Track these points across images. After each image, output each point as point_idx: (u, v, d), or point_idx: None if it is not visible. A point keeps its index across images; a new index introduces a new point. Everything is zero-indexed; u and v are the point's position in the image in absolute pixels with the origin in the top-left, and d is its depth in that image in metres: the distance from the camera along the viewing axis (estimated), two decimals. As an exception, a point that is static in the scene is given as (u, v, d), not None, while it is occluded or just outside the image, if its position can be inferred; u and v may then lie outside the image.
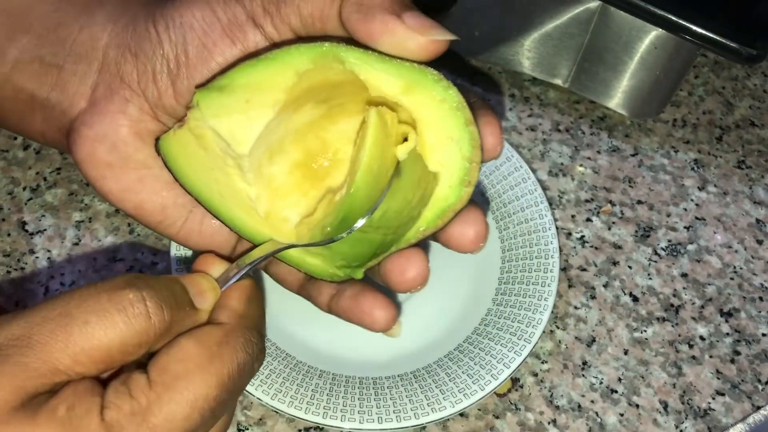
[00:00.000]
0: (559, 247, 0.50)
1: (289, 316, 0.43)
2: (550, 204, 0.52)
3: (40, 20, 0.32)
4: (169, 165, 0.31)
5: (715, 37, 0.44)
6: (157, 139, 0.31)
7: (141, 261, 0.47)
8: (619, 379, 0.45)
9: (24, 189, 0.49)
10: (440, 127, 0.29)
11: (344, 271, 0.32)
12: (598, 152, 0.55)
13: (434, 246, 0.47)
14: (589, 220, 0.51)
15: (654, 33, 0.49)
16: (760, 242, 0.51)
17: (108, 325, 0.25)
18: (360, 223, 0.30)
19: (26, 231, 0.48)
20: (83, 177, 0.32)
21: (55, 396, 0.24)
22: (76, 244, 0.47)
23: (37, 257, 0.46)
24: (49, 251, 0.47)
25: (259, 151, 0.32)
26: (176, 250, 0.43)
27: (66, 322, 0.24)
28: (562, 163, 0.54)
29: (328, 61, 0.29)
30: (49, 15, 0.32)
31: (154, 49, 0.31)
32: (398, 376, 0.41)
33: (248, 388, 0.39)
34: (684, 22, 0.44)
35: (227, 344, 0.27)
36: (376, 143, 0.29)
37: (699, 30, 0.44)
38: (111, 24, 0.32)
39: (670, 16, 0.45)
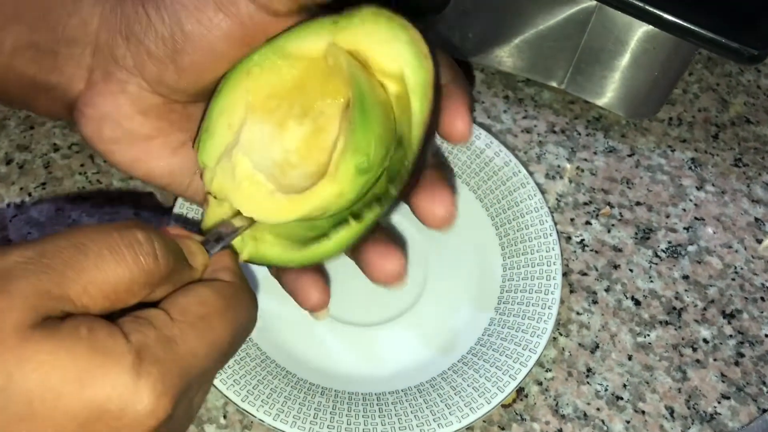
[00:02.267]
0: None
1: (289, 332, 0.42)
2: (548, 208, 0.51)
3: (29, 9, 0.33)
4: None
5: (715, 37, 0.43)
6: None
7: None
8: (624, 386, 0.44)
9: (8, 205, 0.48)
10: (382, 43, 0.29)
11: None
12: (595, 153, 0.54)
13: (433, 257, 0.46)
14: (588, 223, 0.51)
15: (651, 32, 0.48)
16: (759, 241, 0.51)
17: (119, 260, 0.25)
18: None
19: (12, 249, 0.46)
20: (92, 150, 0.34)
21: (71, 319, 0.24)
22: (65, 261, 0.46)
23: (24, 276, 0.45)
24: (36, 270, 0.45)
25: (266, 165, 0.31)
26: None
27: (80, 251, 0.24)
28: (558, 165, 0.53)
29: (269, 60, 0.30)
30: (37, 3, 0.33)
31: (145, 31, 0.31)
32: (402, 391, 0.41)
33: (250, 408, 0.38)
34: (683, 22, 0.44)
35: (239, 298, 0.28)
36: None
37: (698, 30, 0.43)
38: (99, 7, 0.32)
39: (668, 16, 0.44)
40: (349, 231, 0.30)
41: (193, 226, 0.44)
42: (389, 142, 0.29)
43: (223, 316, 0.26)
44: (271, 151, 0.31)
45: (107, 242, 0.25)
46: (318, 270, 0.33)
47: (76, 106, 0.33)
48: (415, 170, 0.29)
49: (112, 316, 0.25)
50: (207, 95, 0.32)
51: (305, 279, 0.33)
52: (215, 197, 0.32)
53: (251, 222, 0.31)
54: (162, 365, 0.24)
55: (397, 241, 0.31)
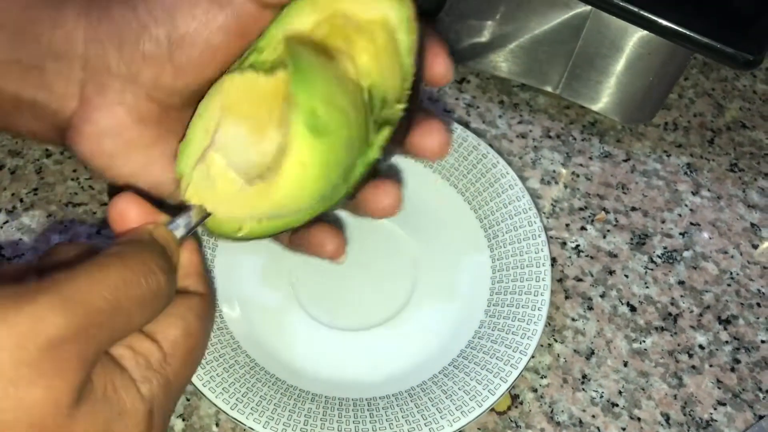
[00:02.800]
0: (554, 258, 0.49)
1: (278, 339, 0.42)
2: (543, 213, 0.51)
3: (12, 19, 0.32)
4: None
5: (710, 42, 0.43)
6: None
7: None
8: (620, 392, 0.44)
9: (0, 211, 0.48)
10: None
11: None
12: (590, 158, 0.54)
13: (422, 260, 0.46)
14: (583, 228, 0.50)
15: (646, 38, 0.48)
16: (755, 247, 0.51)
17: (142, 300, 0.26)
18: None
19: (3, 256, 0.46)
20: (89, 168, 0.34)
21: (95, 378, 0.25)
22: (56, 267, 0.45)
23: (14, 282, 0.45)
24: (27, 276, 0.45)
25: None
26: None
27: (114, 310, 0.25)
28: (554, 171, 0.53)
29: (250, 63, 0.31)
30: (20, 13, 0.32)
31: (138, 35, 0.30)
32: (393, 395, 0.40)
33: (239, 416, 0.37)
34: (678, 27, 0.44)
35: (210, 315, 0.30)
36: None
37: (693, 35, 0.43)
38: (83, 18, 0.31)
39: (663, 22, 0.44)
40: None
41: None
42: (349, 109, 0.29)
43: (203, 339, 0.29)
44: (249, 153, 0.31)
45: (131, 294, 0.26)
46: (323, 221, 0.34)
47: (71, 124, 0.32)
48: (413, 96, 0.30)
49: None
50: (201, 95, 0.32)
51: (315, 232, 0.34)
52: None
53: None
54: (164, 409, 0.27)
55: (391, 177, 0.33)
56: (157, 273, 0.26)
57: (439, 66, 0.32)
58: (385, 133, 0.30)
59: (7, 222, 0.47)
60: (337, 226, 0.35)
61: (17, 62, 0.32)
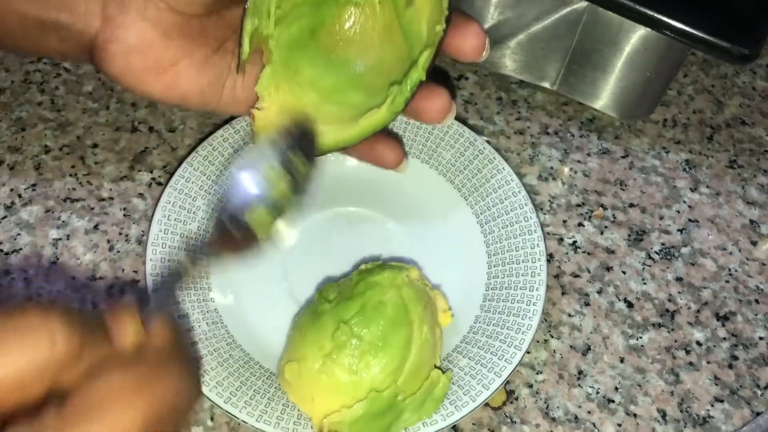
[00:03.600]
0: (551, 254, 0.48)
1: (272, 334, 0.42)
2: (541, 209, 0.50)
3: None
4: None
5: (706, 36, 0.43)
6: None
7: (121, 278, 0.45)
8: (616, 388, 0.44)
9: (-2, 206, 0.48)
10: None
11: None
12: (588, 155, 0.54)
13: (420, 253, 0.46)
14: (581, 224, 0.50)
15: (643, 33, 0.48)
16: (754, 243, 0.51)
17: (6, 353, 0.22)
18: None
19: (1, 251, 0.46)
20: (120, 87, 0.35)
21: None
22: (54, 263, 0.46)
23: (12, 278, 0.45)
24: (25, 271, 0.45)
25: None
26: (151, 270, 0.41)
27: None
28: (551, 167, 0.53)
29: None
30: None
31: None
32: (389, 391, 0.40)
33: (232, 410, 0.37)
34: (674, 22, 0.43)
35: (156, 379, 0.24)
36: None
37: (689, 30, 0.43)
38: None
39: (659, 16, 0.44)
40: (401, 94, 0.34)
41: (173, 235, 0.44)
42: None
43: (127, 402, 0.23)
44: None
45: None
46: (385, 132, 0.36)
47: (96, 45, 0.33)
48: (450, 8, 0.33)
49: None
50: (219, 3, 0.33)
51: (377, 145, 0.36)
52: (258, 108, 0.35)
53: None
54: None
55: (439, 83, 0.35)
56: (38, 330, 0.22)
57: (473, 40, 0.33)
58: (427, 53, 0.33)
59: (5, 217, 0.47)
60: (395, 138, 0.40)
61: None
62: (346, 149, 0.36)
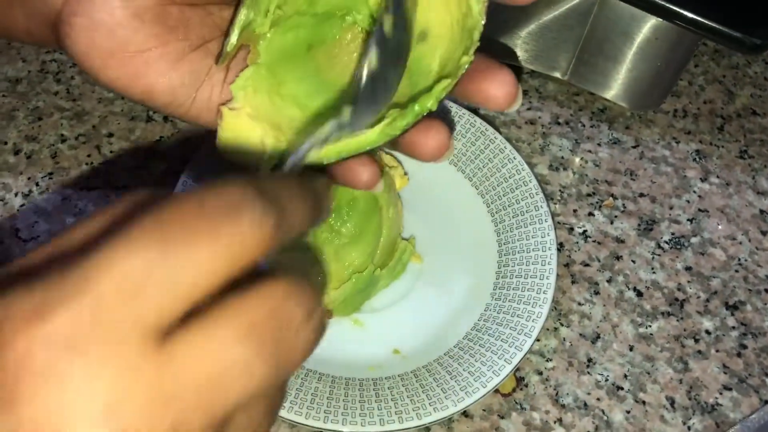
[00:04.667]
0: (562, 243, 0.49)
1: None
2: (551, 199, 0.51)
3: None
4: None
5: (717, 26, 0.43)
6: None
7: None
8: (625, 376, 0.44)
9: (16, 195, 0.49)
10: None
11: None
12: (599, 145, 0.54)
13: (431, 243, 0.46)
14: (591, 214, 0.51)
15: (654, 23, 0.48)
16: (764, 233, 0.51)
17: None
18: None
19: (19, 238, 0.47)
20: (83, 70, 0.31)
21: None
22: (70, 249, 0.46)
23: (30, 264, 0.46)
24: (42, 257, 0.46)
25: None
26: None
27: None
28: (562, 157, 0.53)
29: None
30: None
31: None
32: (399, 376, 0.41)
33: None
34: (685, 12, 0.43)
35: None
36: None
37: (700, 19, 0.43)
38: None
39: (670, 6, 0.44)
40: (397, 119, 0.29)
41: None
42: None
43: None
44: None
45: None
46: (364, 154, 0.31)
47: (60, 18, 0.29)
48: (480, 43, 0.29)
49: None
50: None
51: (350, 164, 0.30)
52: (230, 108, 0.31)
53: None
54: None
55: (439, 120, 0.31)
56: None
57: (501, 90, 0.29)
58: (446, 84, 0.29)
59: (23, 205, 0.48)
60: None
61: None
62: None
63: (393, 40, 0.27)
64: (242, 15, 0.30)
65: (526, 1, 0.30)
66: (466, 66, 0.28)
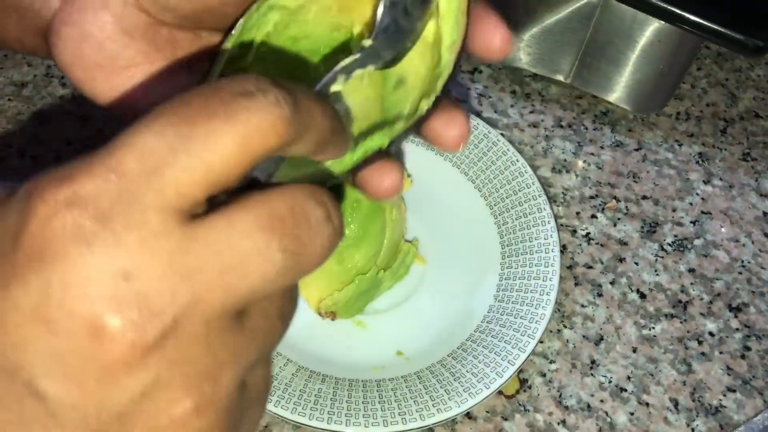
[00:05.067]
0: (565, 245, 0.49)
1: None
2: (554, 201, 0.51)
3: None
4: None
5: (719, 29, 0.43)
6: None
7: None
8: (629, 378, 0.44)
9: (21, 197, 0.49)
10: None
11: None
12: (602, 148, 0.54)
13: (434, 245, 0.47)
14: (594, 216, 0.51)
15: (656, 26, 0.48)
16: (767, 235, 0.51)
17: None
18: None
19: (24, 239, 0.47)
20: (70, 81, 0.31)
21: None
22: (75, 251, 0.47)
23: (35, 266, 0.46)
24: (47, 259, 0.46)
25: None
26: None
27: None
28: (565, 160, 0.53)
29: None
30: None
31: None
32: (402, 377, 0.41)
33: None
34: (687, 14, 0.44)
35: None
36: None
37: (703, 22, 0.43)
38: None
39: (673, 9, 0.44)
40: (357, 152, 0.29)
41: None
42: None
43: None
44: None
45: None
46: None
47: (51, 28, 0.30)
48: (444, 93, 0.28)
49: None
50: (196, 20, 0.29)
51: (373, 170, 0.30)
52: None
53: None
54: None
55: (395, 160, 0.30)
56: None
57: (495, 37, 0.28)
58: (401, 125, 0.29)
59: (28, 207, 0.48)
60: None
61: None
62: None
63: None
64: (228, 44, 0.29)
65: (500, 57, 0.29)
66: (423, 112, 0.28)
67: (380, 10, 0.27)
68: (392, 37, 0.28)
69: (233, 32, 0.29)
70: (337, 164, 0.29)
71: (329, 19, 0.30)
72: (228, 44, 0.29)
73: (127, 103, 0.31)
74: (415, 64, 0.30)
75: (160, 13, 0.29)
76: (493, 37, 0.29)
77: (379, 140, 0.30)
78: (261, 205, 0.21)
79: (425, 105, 0.28)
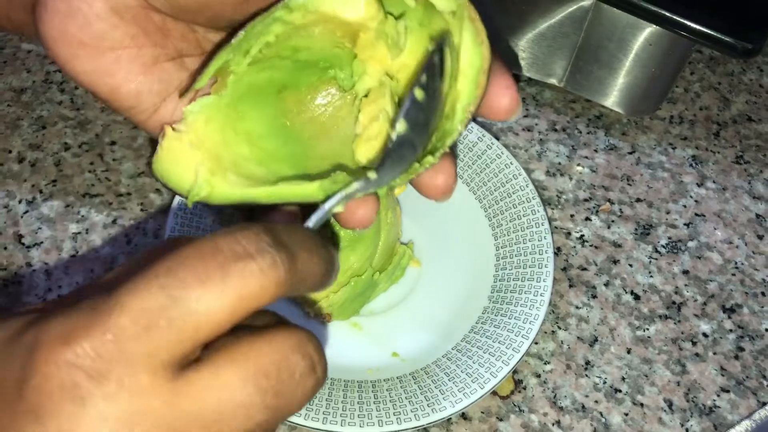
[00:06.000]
0: (559, 247, 0.49)
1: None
2: (549, 204, 0.51)
3: None
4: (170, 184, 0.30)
5: (709, 32, 0.43)
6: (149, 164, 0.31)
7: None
8: (623, 379, 0.44)
9: (20, 202, 0.49)
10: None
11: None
12: (596, 151, 0.55)
13: (429, 247, 0.47)
14: (588, 219, 0.51)
15: (648, 30, 0.48)
16: (760, 237, 0.51)
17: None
18: (408, 102, 0.27)
19: (22, 244, 0.47)
20: (52, 58, 0.30)
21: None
22: (74, 256, 0.47)
23: (33, 270, 0.46)
24: (46, 264, 0.47)
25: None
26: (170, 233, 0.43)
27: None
28: (559, 163, 0.54)
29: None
30: None
31: None
32: (397, 378, 0.41)
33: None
34: (678, 18, 0.44)
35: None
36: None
37: (693, 25, 0.44)
38: None
39: (663, 12, 0.44)
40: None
41: (197, 222, 0.45)
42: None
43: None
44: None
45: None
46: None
47: (38, 1, 0.29)
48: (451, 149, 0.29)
49: None
50: (189, 14, 0.29)
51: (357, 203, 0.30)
52: (173, 129, 0.30)
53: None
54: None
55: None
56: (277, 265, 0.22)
57: (505, 98, 0.29)
58: (401, 179, 0.29)
59: (27, 212, 0.49)
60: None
61: None
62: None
63: (423, 110, 0.28)
64: (221, 57, 0.29)
65: (506, 118, 0.30)
66: (428, 165, 0.29)
67: (392, 144, 0.28)
68: (395, 169, 0.28)
69: (233, 41, 0.29)
70: (329, 187, 0.29)
71: (332, 38, 0.30)
72: (225, 49, 0.29)
73: (111, 87, 0.30)
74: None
75: None
76: (502, 98, 0.29)
77: (377, 187, 0.29)
78: (248, 357, 0.22)
79: (430, 161, 0.29)
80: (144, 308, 0.21)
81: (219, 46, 0.30)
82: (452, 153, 0.30)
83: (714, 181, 0.54)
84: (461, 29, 0.28)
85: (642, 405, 0.44)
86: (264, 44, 0.30)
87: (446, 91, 0.28)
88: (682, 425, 0.43)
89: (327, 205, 0.28)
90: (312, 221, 0.27)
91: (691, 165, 0.54)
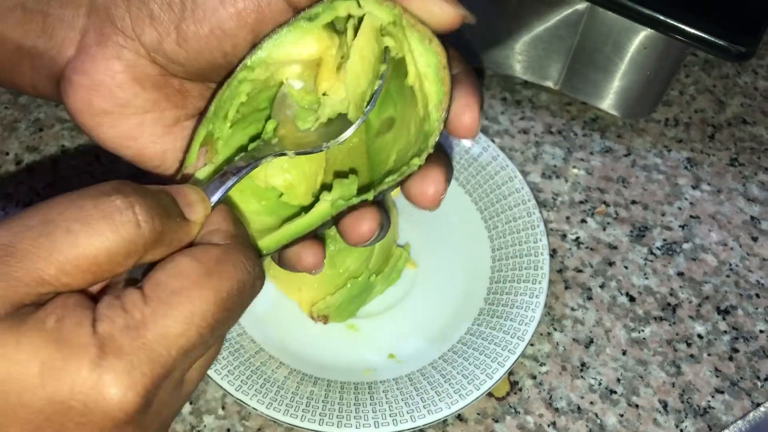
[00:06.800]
0: (555, 249, 0.50)
1: (281, 325, 0.43)
2: (544, 206, 0.52)
3: None
4: None
5: (703, 35, 0.44)
6: None
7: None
8: (618, 380, 0.45)
9: (17, 204, 0.49)
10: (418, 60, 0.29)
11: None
12: (591, 153, 0.55)
13: (425, 249, 0.47)
14: (583, 221, 0.51)
15: (643, 33, 0.49)
16: (755, 239, 0.51)
17: (93, 233, 0.23)
18: (361, 120, 0.29)
19: (20, 246, 0.48)
20: (79, 126, 0.31)
21: (43, 308, 0.23)
22: (70, 257, 0.47)
23: (31, 272, 0.46)
24: (43, 265, 0.47)
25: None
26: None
27: (48, 230, 0.23)
28: (555, 165, 0.54)
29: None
30: None
31: None
32: (393, 379, 0.41)
33: (243, 397, 0.38)
34: (672, 21, 0.45)
35: (226, 261, 0.25)
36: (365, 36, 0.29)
37: (688, 29, 0.44)
38: None
39: (658, 16, 0.45)
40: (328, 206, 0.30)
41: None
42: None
43: (202, 286, 0.24)
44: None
45: (79, 215, 0.23)
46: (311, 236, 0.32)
47: (64, 75, 0.31)
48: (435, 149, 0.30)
49: (107, 287, 0.25)
50: (205, 76, 0.30)
51: (297, 248, 0.32)
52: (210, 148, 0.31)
53: (253, 161, 0.29)
54: (128, 356, 0.23)
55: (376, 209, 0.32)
56: (123, 212, 0.24)
57: (467, 119, 0.29)
58: (389, 180, 0.30)
59: (24, 214, 0.49)
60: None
61: (21, 7, 0.31)
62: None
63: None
64: (202, 130, 0.30)
65: (466, 136, 0.30)
66: (415, 168, 0.29)
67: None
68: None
69: (207, 114, 0.30)
70: (326, 209, 0.30)
71: (302, 77, 0.31)
72: (203, 123, 0.30)
73: (136, 150, 0.31)
74: (404, 111, 0.31)
75: (171, 65, 0.30)
76: (462, 116, 0.30)
77: (365, 194, 0.30)
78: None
79: (417, 162, 0.29)
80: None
81: (198, 122, 0.31)
82: (444, 163, 0.30)
83: (709, 184, 0.54)
84: (405, 36, 0.29)
85: (637, 406, 0.44)
86: (238, 105, 0.30)
87: (417, 88, 0.30)
88: (677, 426, 0.43)
89: (229, 182, 0.29)
90: (217, 196, 0.28)
91: (686, 167, 0.55)
